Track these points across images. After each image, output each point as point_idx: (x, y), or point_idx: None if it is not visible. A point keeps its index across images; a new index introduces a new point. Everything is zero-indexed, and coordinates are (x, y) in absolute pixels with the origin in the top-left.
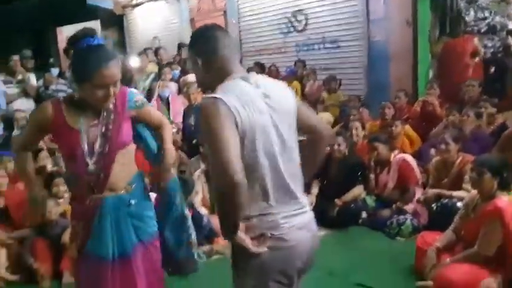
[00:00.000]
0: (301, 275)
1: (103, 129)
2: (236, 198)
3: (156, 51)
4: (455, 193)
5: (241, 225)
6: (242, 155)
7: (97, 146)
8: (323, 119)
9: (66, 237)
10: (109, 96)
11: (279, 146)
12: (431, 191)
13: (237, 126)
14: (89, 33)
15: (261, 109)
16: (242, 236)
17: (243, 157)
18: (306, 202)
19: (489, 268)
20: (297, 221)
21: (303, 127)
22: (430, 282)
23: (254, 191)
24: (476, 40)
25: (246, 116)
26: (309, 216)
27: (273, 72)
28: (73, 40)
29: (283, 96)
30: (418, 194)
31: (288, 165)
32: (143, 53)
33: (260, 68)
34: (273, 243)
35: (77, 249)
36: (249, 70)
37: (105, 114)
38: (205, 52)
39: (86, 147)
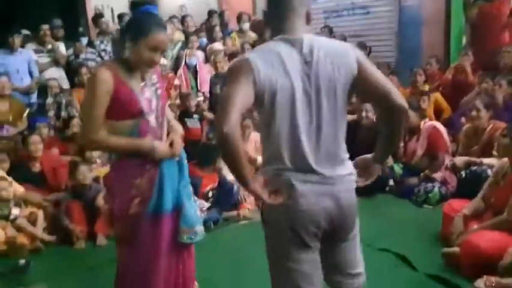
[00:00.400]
0: (329, 242)
1: (155, 90)
2: (227, 148)
3: (183, 19)
4: (486, 160)
5: (260, 177)
6: (260, 112)
7: (153, 104)
8: None
9: (100, 200)
10: (156, 62)
11: (307, 115)
12: (461, 158)
13: (254, 84)
14: (149, 1)
15: (292, 73)
16: (256, 186)
17: (261, 115)
18: (333, 174)
19: None
20: (314, 188)
21: (369, 95)
22: (456, 249)
23: (271, 150)
24: None
25: (269, 76)
26: (335, 188)
27: None
28: (134, 5)
29: (334, 62)
30: (447, 161)
31: (314, 136)
32: (169, 21)
33: None
34: (286, 202)
35: (140, 207)
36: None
37: (150, 77)
38: (268, 7)
39: (144, 105)
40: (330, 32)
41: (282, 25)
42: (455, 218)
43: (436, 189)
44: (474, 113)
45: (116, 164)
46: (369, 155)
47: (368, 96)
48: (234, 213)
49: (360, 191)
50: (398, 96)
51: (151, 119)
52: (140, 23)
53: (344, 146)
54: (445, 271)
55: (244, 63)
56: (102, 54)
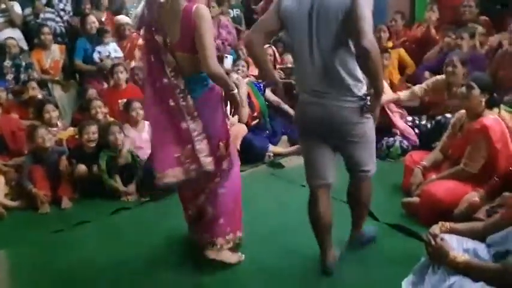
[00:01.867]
0: (334, 139)
1: None
2: (249, 48)
3: None
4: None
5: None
6: (287, 36)
7: None
8: None
9: (63, 163)
10: None
11: (308, 41)
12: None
13: (278, 12)
14: None
15: (302, 6)
16: (277, 77)
17: (288, 39)
18: (331, 92)
19: (473, 183)
20: (312, 99)
21: (349, 30)
22: (415, 199)
23: (294, 65)
24: None
25: (287, 6)
26: (327, 102)
27: None
28: None
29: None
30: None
31: (315, 60)
32: None
33: None
34: (298, 104)
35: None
36: None
37: None
38: None
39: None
40: None
41: None
42: (415, 169)
43: (397, 143)
44: (450, 68)
45: (207, 94)
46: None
47: (348, 32)
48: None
49: None
50: (367, 38)
51: None
52: None
53: (348, 71)
54: (405, 220)
55: None
56: (62, 13)
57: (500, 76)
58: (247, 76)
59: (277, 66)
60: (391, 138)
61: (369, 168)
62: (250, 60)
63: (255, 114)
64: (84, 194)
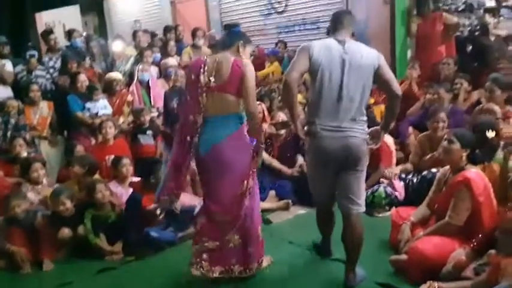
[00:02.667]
0: (341, 169)
1: None
2: (286, 91)
3: (134, 34)
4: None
5: (301, 124)
6: (311, 77)
7: None
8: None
9: (39, 223)
10: None
11: (334, 86)
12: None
13: (310, 58)
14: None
15: (332, 58)
16: (299, 124)
17: (311, 80)
18: (350, 127)
19: (459, 239)
20: (332, 134)
21: (381, 83)
22: (404, 256)
23: (311, 106)
24: (446, 16)
25: (319, 56)
26: (346, 134)
27: (256, 53)
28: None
29: (363, 56)
30: (397, 170)
31: (338, 101)
32: (120, 37)
33: None
34: (315, 138)
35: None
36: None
37: None
38: (332, 22)
39: None
40: (284, 46)
41: (335, 32)
42: (402, 225)
43: (381, 189)
44: (440, 124)
45: (241, 131)
46: (378, 127)
47: (380, 84)
48: (189, 231)
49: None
50: (396, 88)
51: None
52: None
53: (361, 111)
54: (394, 278)
55: (306, 46)
56: (51, 71)
57: None
58: None
59: (268, 122)
60: (376, 186)
61: (360, 202)
62: None
63: None
64: (68, 253)
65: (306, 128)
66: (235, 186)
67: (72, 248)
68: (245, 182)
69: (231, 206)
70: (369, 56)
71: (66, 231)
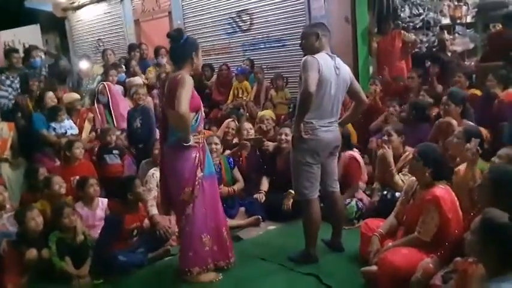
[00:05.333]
0: (331, 154)
1: None
2: (307, 102)
3: (103, 53)
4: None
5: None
6: (317, 89)
7: None
8: (265, 116)
9: (3, 247)
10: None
11: (332, 93)
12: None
13: (319, 71)
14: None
15: (331, 72)
16: (301, 127)
17: (317, 90)
18: (332, 121)
19: (426, 250)
20: (327, 128)
21: (350, 92)
22: (374, 267)
23: (313, 109)
24: (405, 34)
25: (323, 70)
26: (334, 128)
27: (224, 71)
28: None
29: (345, 72)
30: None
31: (333, 104)
32: (86, 56)
33: (210, 68)
34: (313, 136)
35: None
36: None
37: None
38: (314, 36)
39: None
40: (251, 64)
41: (321, 46)
42: (372, 237)
43: (353, 202)
44: (386, 137)
45: (177, 145)
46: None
47: (350, 94)
48: (160, 251)
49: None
50: (364, 96)
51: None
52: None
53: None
54: None
55: (314, 62)
56: (10, 90)
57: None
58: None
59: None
60: (347, 200)
61: (337, 180)
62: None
63: (221, 187)
64: (33, 278)
65: (302, 127)
66: (175, 193)
67: (37, 273)
68: (186, 189)
69: (175, 208)
70: (346, 69)
71: (33, 253)
